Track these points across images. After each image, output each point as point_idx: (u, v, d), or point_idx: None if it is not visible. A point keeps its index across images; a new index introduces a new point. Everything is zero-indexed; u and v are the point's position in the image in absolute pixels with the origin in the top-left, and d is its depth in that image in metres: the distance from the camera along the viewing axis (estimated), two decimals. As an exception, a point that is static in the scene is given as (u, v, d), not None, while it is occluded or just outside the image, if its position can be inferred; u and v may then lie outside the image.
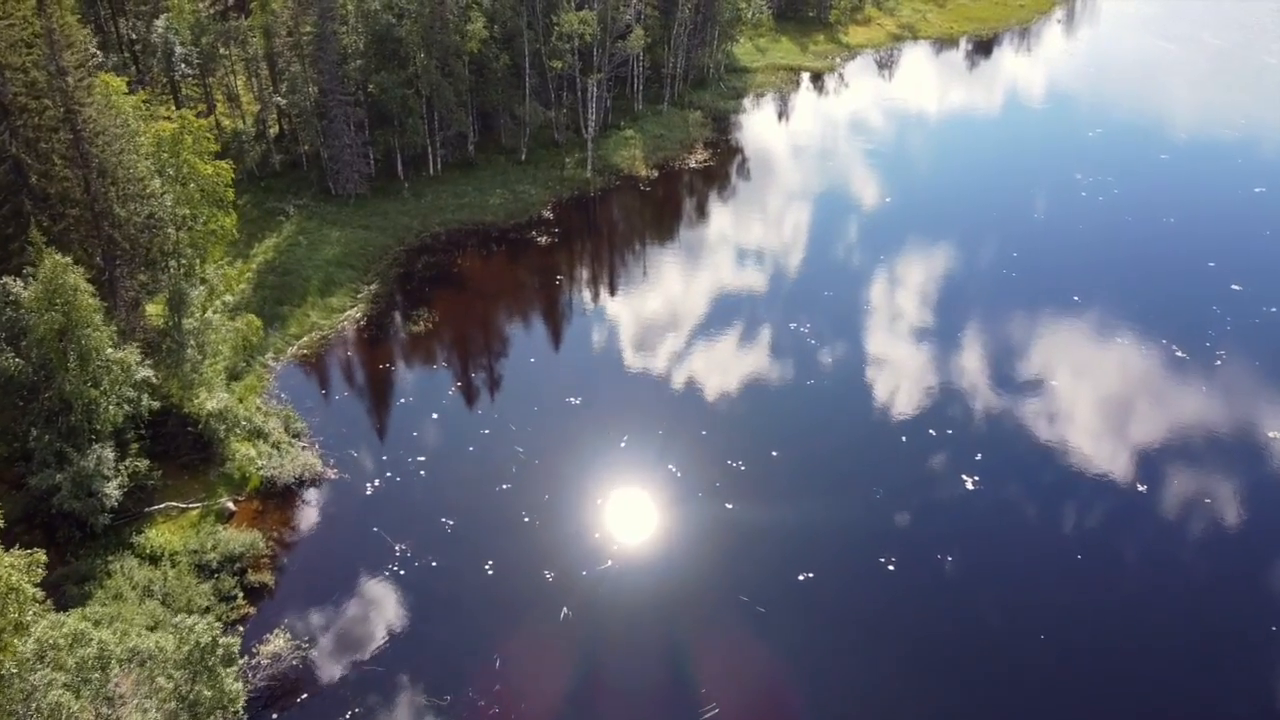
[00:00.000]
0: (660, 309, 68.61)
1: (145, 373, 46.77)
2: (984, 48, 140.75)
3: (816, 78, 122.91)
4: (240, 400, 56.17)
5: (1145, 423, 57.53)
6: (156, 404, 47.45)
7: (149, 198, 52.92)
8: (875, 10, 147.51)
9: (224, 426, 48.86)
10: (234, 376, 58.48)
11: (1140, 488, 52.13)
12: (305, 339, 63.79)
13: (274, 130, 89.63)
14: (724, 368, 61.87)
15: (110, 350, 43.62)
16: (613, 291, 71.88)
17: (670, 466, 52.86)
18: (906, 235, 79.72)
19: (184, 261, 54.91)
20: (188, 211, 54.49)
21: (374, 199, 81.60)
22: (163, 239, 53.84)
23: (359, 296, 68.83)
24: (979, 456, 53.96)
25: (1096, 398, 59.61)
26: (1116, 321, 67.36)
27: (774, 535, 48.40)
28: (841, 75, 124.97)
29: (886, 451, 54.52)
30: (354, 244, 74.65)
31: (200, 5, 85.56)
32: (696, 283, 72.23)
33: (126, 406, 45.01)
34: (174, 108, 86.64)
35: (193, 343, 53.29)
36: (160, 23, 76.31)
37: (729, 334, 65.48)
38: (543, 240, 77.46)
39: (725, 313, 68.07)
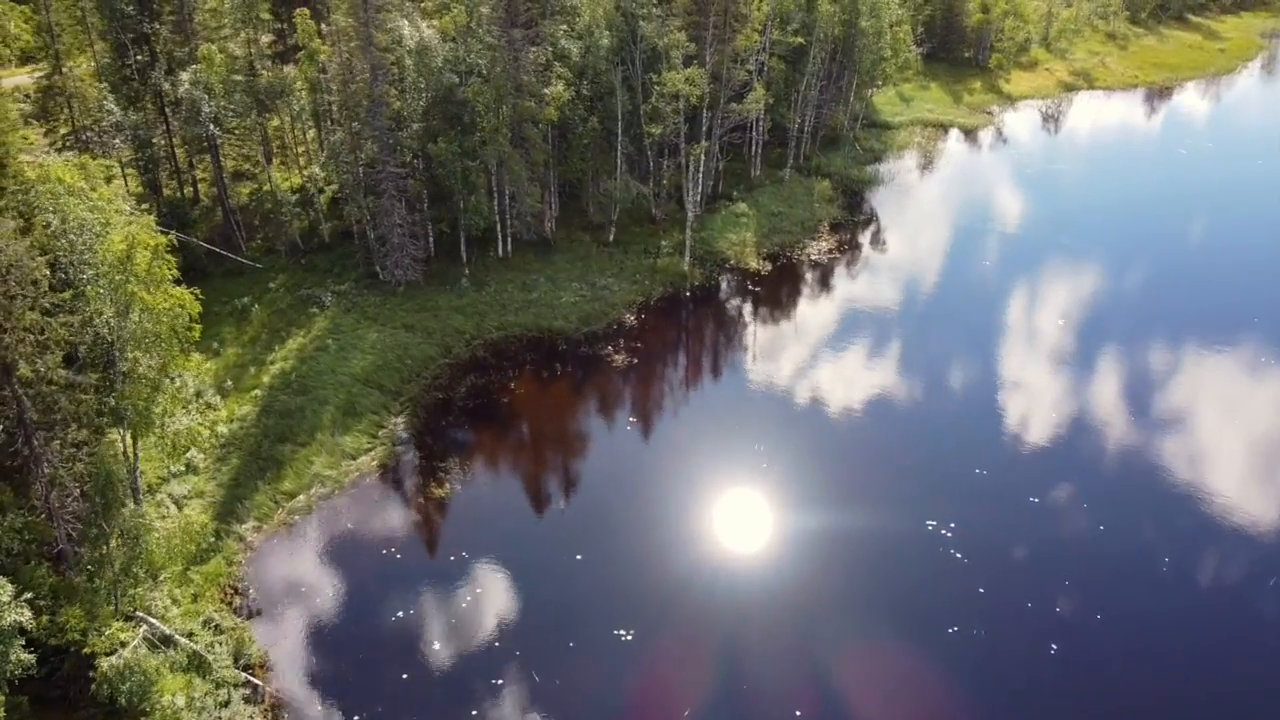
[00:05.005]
0: (747, 482, 52.00)
1: (18, 615, 33.67)
2: (1175, 102, 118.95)
3: (969, 133, 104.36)
4: (194, 598, 43.19)
5: None
6: (32, 657, 34.20)
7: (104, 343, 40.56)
8: (1044, 53, 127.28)
9: (126, 687, 35.29)
10: (197, 559, 45.53)
11: None
12: (300, 498, 50.26)
13: (330, 192, 77.27)
14: (833, 596, 44.89)
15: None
16: (695, 452, 54.38)
17: (748, 774, 36.96)
18: (1085, 384, 61.25)
19: (131, 417, 42.13)
20: (136, 355, 41.62)
21: (427, 286, 68.10)
22: (100, 395, 41.15)
23: (379, 435, 55.08)
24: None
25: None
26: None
27: None
28: (1000, 132, 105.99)
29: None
30: (391, 353, 61.12)
31: (253, 49, 73.49)
32: (802, 442, 55.49)
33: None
34: (211, 166, 75.44)
35: (123, 541, 40.36)
36: (186, 76, 64.39)
37: (841, 537, 48.07)
38: (619, 360, 62.23)
39: (838, 498, 50.84)
